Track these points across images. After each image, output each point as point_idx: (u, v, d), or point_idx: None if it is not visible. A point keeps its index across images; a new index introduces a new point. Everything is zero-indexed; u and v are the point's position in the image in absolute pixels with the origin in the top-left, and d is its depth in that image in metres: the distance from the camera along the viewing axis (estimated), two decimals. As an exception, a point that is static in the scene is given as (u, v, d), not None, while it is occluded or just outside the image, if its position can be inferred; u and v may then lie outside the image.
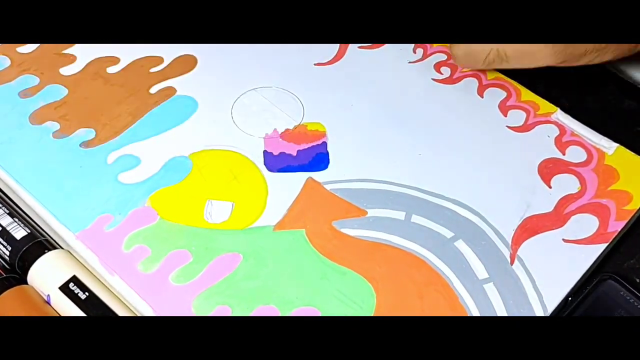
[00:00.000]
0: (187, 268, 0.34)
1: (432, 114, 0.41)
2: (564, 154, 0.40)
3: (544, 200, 0.38)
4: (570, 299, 0.34)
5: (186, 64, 0.43)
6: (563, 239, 0.36)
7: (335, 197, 0.37)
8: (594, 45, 0.37)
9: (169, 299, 0.34)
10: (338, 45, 0.44)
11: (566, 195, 0.38)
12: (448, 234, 0.36)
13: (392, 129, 0.41)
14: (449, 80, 0.43)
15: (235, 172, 0.38)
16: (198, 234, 0.36)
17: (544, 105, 0.42)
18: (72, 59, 0.43)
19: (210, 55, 0.43)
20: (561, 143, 0.40)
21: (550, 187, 0.38)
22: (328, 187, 0.38)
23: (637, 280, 0.36)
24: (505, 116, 0.42)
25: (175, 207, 0.37)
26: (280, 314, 0.33)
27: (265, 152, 0.39)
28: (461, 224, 0.37)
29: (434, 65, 0.44)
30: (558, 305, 0.34)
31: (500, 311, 0.34)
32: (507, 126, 0.41)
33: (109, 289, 0.35)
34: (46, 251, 0.35)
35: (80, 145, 0.39)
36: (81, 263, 0.35)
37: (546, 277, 0.35)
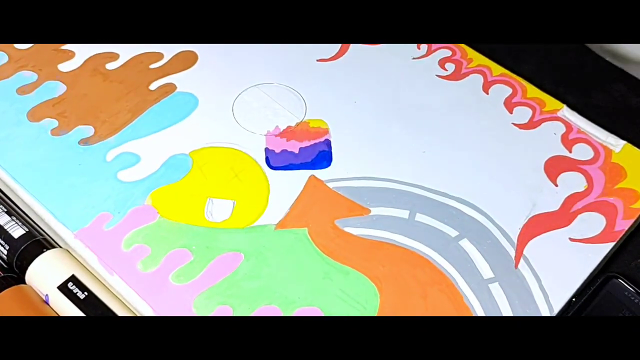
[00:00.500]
0: (188, 267, 0.34)
1: (437, 110, 0.41)
2: (570, 152, 0.40)
3: (550, 199, 0.37)
4: (574, 299, 0.34)
5: (186, 60, 0.43)
6: (569, 238, 0.36)
7: (338, 196, 0.37)
8: None
9: (169, 298, 0.33)
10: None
11: (573, 194, 0.38)
12: (453, 232, 0.36)
13: (395, 126, 0.40)
14: (454, 77, 0.43)
15: (237, 170, 0.38)
16: (199, 233, 0.35)
17: (550, 102, 0.42)
18: (70, 55, 0.43)
19: (211, 52, 0.43)
20: (567, 140, 0.40)
21: (556, 185, 0.38)
22: (331, 185, 0.38)
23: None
24: (511, 113, 0.41)
25: (176, 206, 0.36)
26: (282, 314, 0.33)
27: (266, 149, 0.39)
28: (466, 222, 0.36)
29: (439, 62, 0.44)
30: (564, 306, 0.34)
31: (506, 311, 0.34)
32: (512, 123, 0.41)
33: (108, 288, 0.34)
34: (44, 250, 0.35)
35: (79, 143, 0.38)
36: (80, 262, 0.35)
37: (552, 277, 0.35)
